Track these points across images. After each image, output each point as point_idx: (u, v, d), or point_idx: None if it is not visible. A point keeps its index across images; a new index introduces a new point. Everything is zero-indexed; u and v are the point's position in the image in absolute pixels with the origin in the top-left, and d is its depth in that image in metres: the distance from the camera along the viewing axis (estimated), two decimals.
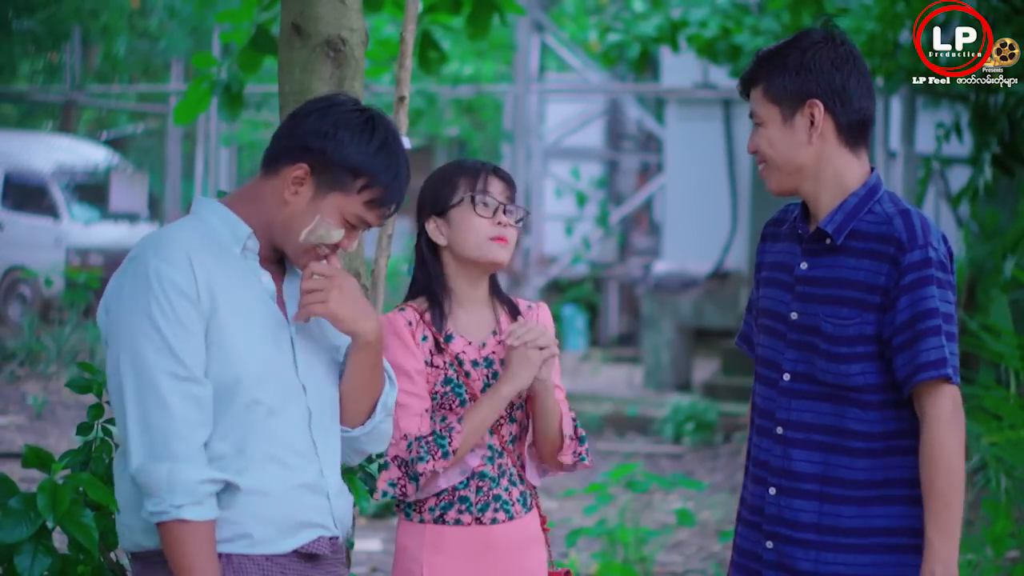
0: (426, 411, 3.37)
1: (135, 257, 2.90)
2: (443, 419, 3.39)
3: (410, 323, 3.41)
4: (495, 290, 3.51)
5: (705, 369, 14.49)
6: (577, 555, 7.23)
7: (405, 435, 3.34)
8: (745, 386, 12.81)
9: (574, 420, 3.53)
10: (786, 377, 3.25)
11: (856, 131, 3.22)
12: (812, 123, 3.19)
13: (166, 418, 2.83)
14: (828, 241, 3.21)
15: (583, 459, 3.50)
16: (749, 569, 3.32)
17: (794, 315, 3.24)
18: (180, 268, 2.87)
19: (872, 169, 3.26)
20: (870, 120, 3.24)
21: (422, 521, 3.41)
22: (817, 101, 3.18)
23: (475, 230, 3.39)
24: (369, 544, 7.84)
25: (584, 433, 3.54)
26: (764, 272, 3.34)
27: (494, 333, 3.45)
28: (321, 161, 2.95)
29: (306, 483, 2.99)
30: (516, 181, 3.50)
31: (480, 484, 3.41)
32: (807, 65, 3.18)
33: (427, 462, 3.32)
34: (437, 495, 3.39)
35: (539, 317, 3.51)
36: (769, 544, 3.26)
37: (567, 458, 3.48)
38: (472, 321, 3.44)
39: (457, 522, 3.39)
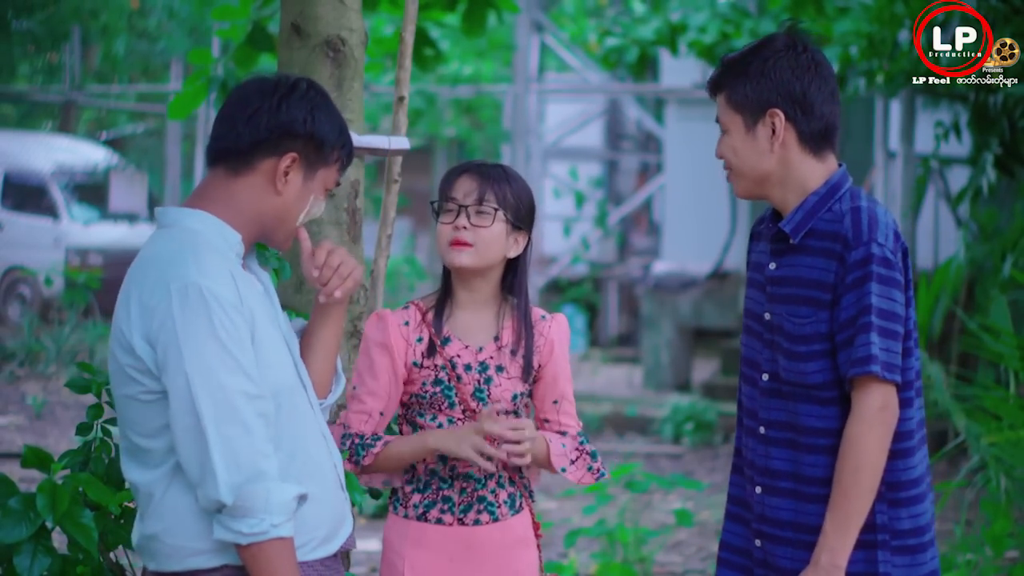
0: (380, 414, 3.40)
1: (174, 279, 2.83)
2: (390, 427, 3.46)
3: (406, 322, 3.41)
4: (514, 294, 3.46)
5: (704, 369, 14.48)
6: (576, 555, 7.23)
7: (345, 426, 3.42)
8: None
9: (579, 436, 3.52)
10: (764, 377, 3.28)
11: (819, 138, 3.23)
12: (773, 132, 3.21)
13: (250, 439, 2.81)
14: (791, 241, 3.23)
15: (602, 474, 3.52)
16: (740, 565, 3.35)
17: (767, 315, 3.27)
18: (227, 284, 2.85)
19: (840, 166, 3.26)
20: (834, 126, 3.24)
21: (406, 516, 3.42)
22: (778, 110, 3.20)
23: (439, 236, 3.40)
24: (368, 544, 7.83)
25: (593, 448, 3.53)
26: (748, 272, 3.37)
27: (495, 339, 3.44)
28: (307, 145, 2.97)
29: (333, 481, 3.03)
30: (452, 167, 3.46)
31: (464, 485, 3.41)
32: (767, 73, 3.20)
33: (343, 460, 3.40)
34: (422, 492, 3.41)
35: (551, 330, 3.48)
36: (757, 542, 3.30)
37: (585, 478, 3.50)
38: (472, 324, 3.43)
39: (439, 521, 3.40)
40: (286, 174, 2.96)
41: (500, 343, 3.42)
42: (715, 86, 3.28)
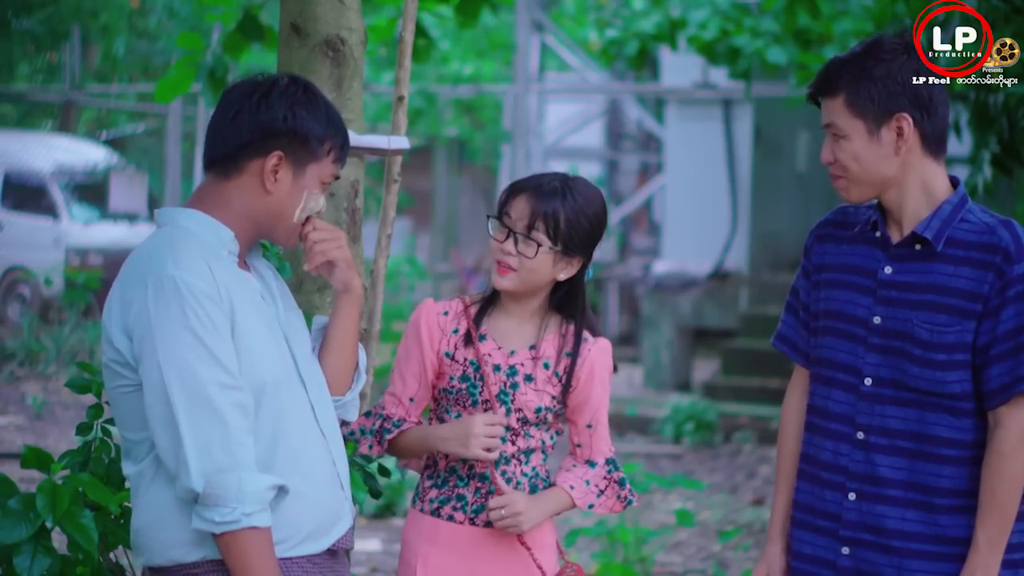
0: (411, 400, 3.43)
1: (151, 273, 2.86)
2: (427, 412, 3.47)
3: (445, 312, 3.42)
4: (563, 311, 3.43)
5: (705, 369, 14.48)
6: (577, 555, 7.23)
7: (381, 405, 3.46)
8: (744, 386, 12.80)
9: (608, 464, 3.49)
10: (868, 382, 3.22)
11: (939, 140, 3.20)
12: (900, 136, 3.15)
13: (223, 428, 2.82)
14: (918, 247, 3.19)
15: (630, 502, 3.50)
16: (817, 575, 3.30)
17: (877, 319, 3.21)
18: (204, 276, 2.86)
19: (956, 179, 3.24)
20: (948, 128, 3.21)
21: (423, 511, 3.43)
22: (906, 114, 3.15)
23: (491, 250, 3.39)
24: (369, 544, 7.84)
25: (623, 475, 3.51)
26: (828, 274, 3.31)
27: (532, 347, 3.41)
28: (292, 142, 2.97)
29: (328, 478, 3.02)
30: (515, 182, 3.43)
31: (480, 486, 3.42)
32: (893, 76, 3.14)
33: (367, 439, 3.46)
34: (439, 488, 3.41)
35: (591, 353, 3.43)
36: (846, 550, 3.24)
37: (615, 507, 3.49)
38: (512, 329, 3.41)
39: (450, 518, 3.41)
40: (275, 173, 2.97)
41: (536, 353, 3.40)
42: (826, 89, 3.19)
